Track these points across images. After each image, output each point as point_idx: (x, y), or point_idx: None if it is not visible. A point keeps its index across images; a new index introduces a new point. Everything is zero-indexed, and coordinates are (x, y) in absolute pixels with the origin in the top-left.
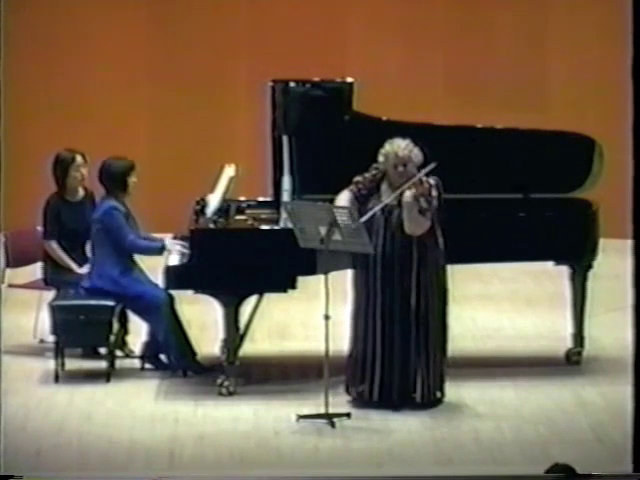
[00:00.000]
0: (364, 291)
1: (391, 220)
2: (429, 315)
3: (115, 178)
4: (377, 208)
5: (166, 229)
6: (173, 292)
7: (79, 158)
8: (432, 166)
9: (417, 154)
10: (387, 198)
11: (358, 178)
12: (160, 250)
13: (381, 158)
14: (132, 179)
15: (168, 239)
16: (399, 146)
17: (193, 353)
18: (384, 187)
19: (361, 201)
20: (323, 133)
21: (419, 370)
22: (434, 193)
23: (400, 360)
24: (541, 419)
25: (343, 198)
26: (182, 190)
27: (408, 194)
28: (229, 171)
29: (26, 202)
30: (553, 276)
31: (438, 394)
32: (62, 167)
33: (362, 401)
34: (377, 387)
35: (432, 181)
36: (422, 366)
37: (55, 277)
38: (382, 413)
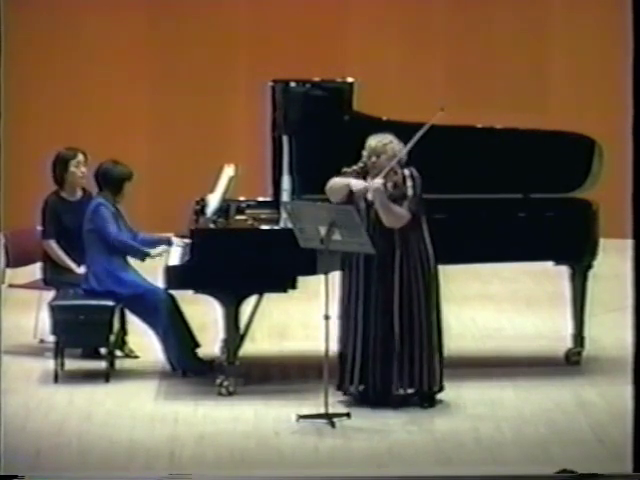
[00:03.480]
0: (347, 288)
1: (372, 214)
2: (413, 310)
3: (111, 183)
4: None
5: (166, 229)
6: (173, 292)
7: (80, 156)
8: (402, 154)
9: (394, 148)
10: (370, 193)
11: (345, 169)
12: (142, 256)
13: (364, 152)
14: (127, 187)
15: (174, 237)
16: (375, 138)
17: (195, 352)
18: (368, 182)
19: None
20: (323, 133)
21: (402, 366)
22: (409, 183)
23: (380, 357)
24: (541, 419)
25: (337, 181)
26: (182, 190)
27: (375, 181)
28: (229, 171)
29: (26, 202)
30: (553, 276)
31: (435, 388)
32: (62, 163)
33: (354, 400)
34: (356, 385)
35: (407, 171)
36: (405, 362)
37: (55, 277)
38: (382, 413)
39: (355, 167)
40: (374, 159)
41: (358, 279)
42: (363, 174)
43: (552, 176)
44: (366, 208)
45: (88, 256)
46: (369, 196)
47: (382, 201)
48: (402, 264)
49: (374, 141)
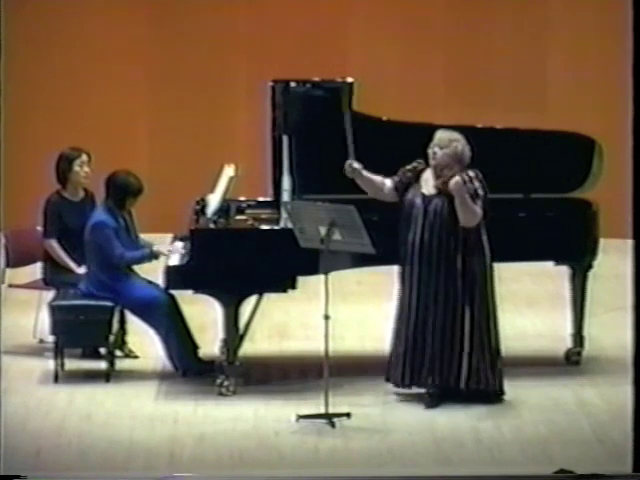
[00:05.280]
0: (403, 283)
1: (430, 210)
2: (466, 307)
3: (116, 194)
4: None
5: (166, 229)
6: (173, 292)
7: (84, 156)
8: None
9: (458, 147)
10: (426, 188)
11: (402, 168)
12: (150, 256)
13: (430, 144)
14: (133, 201)
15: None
16: (444, 131)
17: (195, 352)
18: (424, 178)
19: (401, 190)
20: (323, 133)
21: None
22: (476, 184)
23: (431, 354)
24: (541, 419)
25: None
26: (182, 190)
27: (454, 179)
28: (229, 171)
29: (27, 202)
30: (553, 276)
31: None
32: (66, 162)
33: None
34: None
35: (471, 173)
36: (445, 359)
37: (55, 277)
38: (382, 413)
39: (409, 166)
40: (436, 149)
41: (412, 273)
42: (416, 173)
43: (552, 176)
44: (422, 202)
45: (87, 261)
46: (423, 190)
47: (462, 197)
48: (465, 262)
49: (443, 133)
